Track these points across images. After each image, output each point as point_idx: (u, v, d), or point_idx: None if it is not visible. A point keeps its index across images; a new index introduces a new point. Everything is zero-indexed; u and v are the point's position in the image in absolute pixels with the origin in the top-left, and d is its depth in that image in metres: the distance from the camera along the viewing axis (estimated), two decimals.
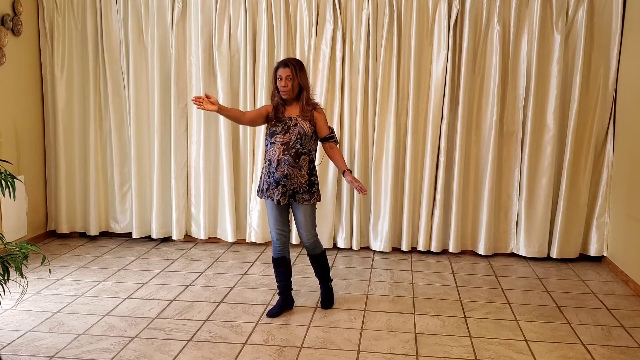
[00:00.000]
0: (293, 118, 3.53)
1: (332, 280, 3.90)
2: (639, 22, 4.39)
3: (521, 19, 4.73)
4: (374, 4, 4.77)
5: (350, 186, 4.95)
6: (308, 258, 3.81)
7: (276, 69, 3.53)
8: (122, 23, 5.07)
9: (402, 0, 4.76)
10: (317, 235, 3.67)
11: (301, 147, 3.50)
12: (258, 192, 3.66)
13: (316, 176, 3.62)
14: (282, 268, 3.70)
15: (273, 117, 3.56)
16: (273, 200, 3.54)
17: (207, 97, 3.34)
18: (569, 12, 4.66)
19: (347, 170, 3.60)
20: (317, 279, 3.90)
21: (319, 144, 3.72)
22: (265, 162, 3.60)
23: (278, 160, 3.48)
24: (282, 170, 3.48)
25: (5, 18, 4.70)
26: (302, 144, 3.51)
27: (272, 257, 3.72)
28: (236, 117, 3.59)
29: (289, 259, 3.73)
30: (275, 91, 3.56)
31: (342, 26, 4.82)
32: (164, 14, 5.02)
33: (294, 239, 5.08)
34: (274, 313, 3.66)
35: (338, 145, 3.73)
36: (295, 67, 3.49)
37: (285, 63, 3.51)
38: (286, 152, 3.48)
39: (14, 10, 4.82)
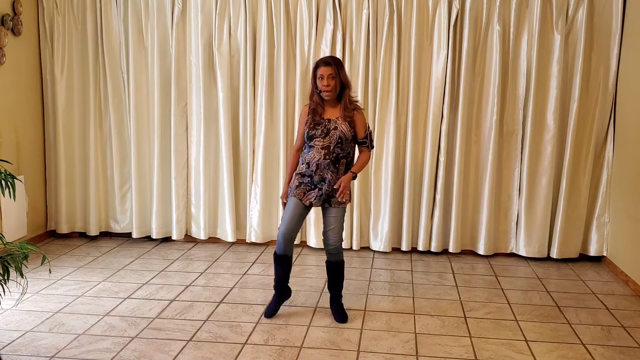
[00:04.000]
0: (332, 120, 3.44)
1: (342, 297, 3.71)
2: (639, 22, 4.39)
3: (521, 19, 4.73)
4: (374, 4, 4.77)
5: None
6: (325, 266, 3.64)
7: (316, 68, 3.42)
8: (122, 23, 5.07)
9: (402, 0, 4.76)
10: (342, 241, 3.54)
11: (342, 151, 3.44)
12: (289, 190, 3.54)
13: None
14: (283, 265, 3.60)
15: (311, 120, 3.46)
16: (301, 200, 3.45)
17: (284, 198, 3.55)
18: (569, 12, 4.66)
19: (352, 173, 3.45)
20: (321, 286, 3.71)
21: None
22: (301, 163, 3.52)
23: (317, 164, 3.42)
24: (321, 174, 3.43)
25: (5, 18, 4.70)
26: (342, 147, 3.44)
27: (275, 252, 3.58)
28: (297, 161, 3.56)
29: (291, 257, 3.63)
30: (314, 91, 3.46)
31: (342, 26, 4.82)
32: (164, 14, 5.02)
33: (297, 239, 5.07)
34: (270, 313, 3.63)
35: (372, 151, 3.59)
36: (336, 65, 3.39)
37: (326, 61, 3.40)
38: (327, 157, 3.41)
39: (14, 10, 4.82)
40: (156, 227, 5.23)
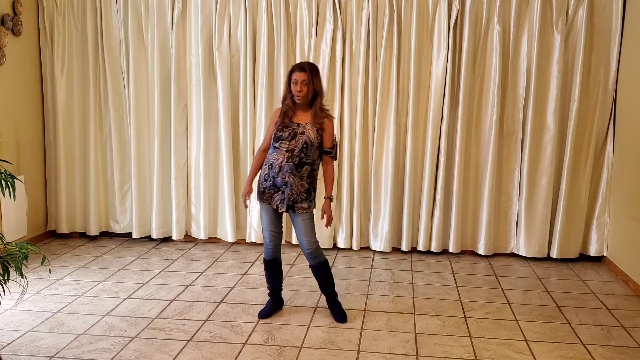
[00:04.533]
0: (301, 125, 3.45)
1: (337, 294, 3.73)
2: (639, 22, 4.39)
3: (521, 19, 4.73)
4: (374, 4, 4.77)
5: (348, 189, 4.96)
6: (311, 271, 3.65)
7: (291, 72, 3.44)
8: (122, 23, 5.07)
9: (402, 0, 4.76)
10: (318, 242, 3.56)
11: (305, 157, 3.43)
12: (257, 196, 3.58)
13: (316, 184, 3.54)
14: (274, 270, 3.66)
15: (280, 122, 3.48)
16: (270, 204, 3.48)
17: (246, 197, 3.60)
18: (569, 12, 4.66)
19: (329, 198, 3.52)
20: (319, 285, 3.71)
21: None
22: (264, 165, 3.53)
23: (280, 167, 3.42)
24: (283, 177, 3.41)
25: (5, 18, 4.70)
26: (307, 153, 3.43)
27: (264, 259, 3.65)
28: (262, 162, 3.57)
29: (280, 260, 3.69)
30: (287, 95, 3.48)
31: (342, 26, 4.82)
32: (164, 14, 5.02)
33: (293, 239, 5.08)
34: (265, 314, 3.63)
35: (336, 162, 3.63)
36: (311, 71, 3.42)
37: (301, 67, 3.42)
38: (290, 160, 3.40)
39: (14, 10, 4.82)
40: (156, 227, 5.23)
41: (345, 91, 4.89)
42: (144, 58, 5.11)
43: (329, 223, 3.55)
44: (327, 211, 3.53)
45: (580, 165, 4.79)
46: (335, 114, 4.90)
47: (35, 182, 5.20)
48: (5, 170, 3.06)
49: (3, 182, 2.98)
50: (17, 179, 3.09)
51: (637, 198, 4.29)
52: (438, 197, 4.92)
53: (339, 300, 3.71)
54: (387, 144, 4.91)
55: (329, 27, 4.83)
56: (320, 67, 4.87)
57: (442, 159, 4.87)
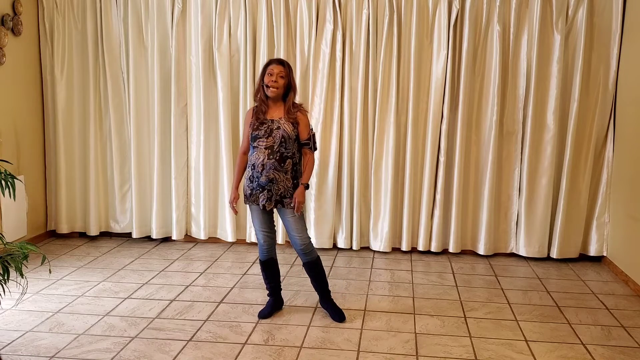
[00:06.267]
0: (275, 121, 3.45)
1: (330, 293, 3.74)
2: (639, 22, 4.39)
3: (521, 19, 4.73)
4: (374, 4, 4.77)
5: (348, 189, 4.96)
6: (304, 269, 3.65)
7: (267, 65, 3.47)
8: (122, 23, 5.07)
9: (402, 0, 4.76)
10: (310, 239, 3.57)
11: (286, 151, 3.43)
12: (244, 199, 3.58)
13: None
14: (271, 270, 3.66)
15: (254, 121, 3.48)
16: (258, 205, 3.48)
17: (233, 203, 3.63)
18: (569, 12, 4.66)
19: (303, 185, 3.48)
20: (313, 284, 3.70)
21: None
22: (247, 167, 3.53)
23: (263, 165, 3.41)
24: (267, 175, 3.41)
25: (5, 18, 4.70)
26: (286, 147, 3.43)
27: (260, 260, 3.65)
28: (245, 165, 3.58)
29: (276, 259, 3.69)
30: (260, 88, 3.49)
31: (342, 26, 4.82)
32: (164, 14, 5.02)
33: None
34: (265, 314, 3.63)
35: (315, 153, 3.60)
36: (288, 66, 3.47)
37: (279, 61, 3.48)
38: (271, 157, 3.41)
39: (14, 10, 4.82)
40: (156, 227, 5.23)
41: (345, 91, 4.89)
42: (144, 58, 5.11)
43: (298, 209, 3.46)
44: (297, 196, 3.45)
45: (580, 165, 4.79)
46: (335, 114, 4.91)
47: (35, 182, 5.20)
48: (5, 170, 3.06)
49: (3, 182, 2.99)
50: (17, 179, 3.09)
51: (636, 198, 4.29)
52: (438, 197, 4.92)
53: (332, 298, 3.70)
54: (387, 144, 4.91)
55: (329, 27, 4.83)
56: (320, 67, 4.88)
57: (442, 159, 4.88)
